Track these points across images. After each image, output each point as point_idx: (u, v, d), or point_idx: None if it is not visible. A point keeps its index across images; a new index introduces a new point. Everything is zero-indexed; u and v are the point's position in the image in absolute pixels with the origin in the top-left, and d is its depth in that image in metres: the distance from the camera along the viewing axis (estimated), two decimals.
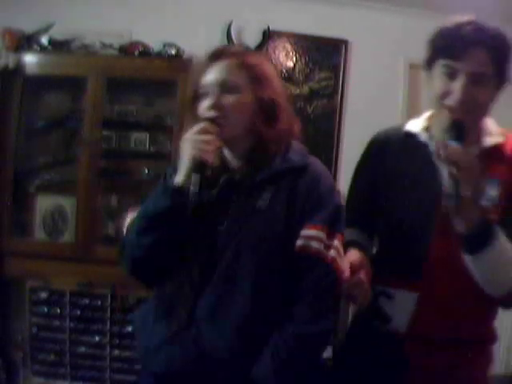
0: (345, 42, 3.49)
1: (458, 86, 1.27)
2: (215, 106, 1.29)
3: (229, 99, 1.30)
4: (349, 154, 3.54)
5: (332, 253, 1.25)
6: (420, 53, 1.43)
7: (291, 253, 1.25)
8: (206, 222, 1.30)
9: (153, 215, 1.27)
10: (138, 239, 1.29)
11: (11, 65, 2.97)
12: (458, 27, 1.29)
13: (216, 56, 1.35)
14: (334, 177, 3.53)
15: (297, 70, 3.52)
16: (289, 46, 3.51)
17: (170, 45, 3.19)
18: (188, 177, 1.25)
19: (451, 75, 1.29)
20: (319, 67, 3.54)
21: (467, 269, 1.27)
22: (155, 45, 3.07)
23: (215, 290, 1.26)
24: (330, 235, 1.26)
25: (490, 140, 1.36)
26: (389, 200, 1.44)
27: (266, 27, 3.39)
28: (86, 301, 3.03)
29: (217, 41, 3.36)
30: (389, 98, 3.44)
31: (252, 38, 3.39)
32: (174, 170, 1.31)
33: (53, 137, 3.24)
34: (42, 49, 3.06)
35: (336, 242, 1.27)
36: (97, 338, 3.03)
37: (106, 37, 3.14)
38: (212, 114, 1.29)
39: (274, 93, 1.35)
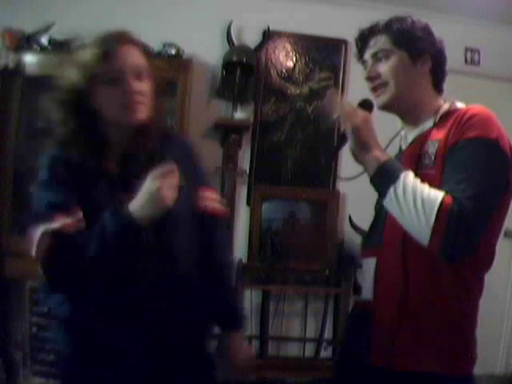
0: (345, 42, 3.50)
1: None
2: (137, 92, 1.35)
3: (144, 85, 1.37)
4: (349, 154, 3.54)
5: (218, 205, 1.54)
6: None
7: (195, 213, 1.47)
8: None
9: (112, 242, 1.27)
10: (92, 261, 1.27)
11: (11, 65, 2.97)
12: (360, 31, 1.52)
13: (118, 40, 1.38)
14: (334, 177, 3.54)
15: (297, 70, 3.53)
16: (289, 46, 3.52)
17: (170, 45, 3.20)
18: (146, 217, 1.27)
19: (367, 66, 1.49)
20: (319, 67, 3.54)
21: None
22: (155, 45, 3.06)
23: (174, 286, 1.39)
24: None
25: (442, 111, 1.47)
26: None
27: (266, 27, 3.40)
28: None
29: (217, 41, 3.37)
30: None
31: (252, 38, 3.40)
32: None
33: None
34: (42, 49, 3.05)
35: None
36: None
37: None
38: (138, 98, 1.35)
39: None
